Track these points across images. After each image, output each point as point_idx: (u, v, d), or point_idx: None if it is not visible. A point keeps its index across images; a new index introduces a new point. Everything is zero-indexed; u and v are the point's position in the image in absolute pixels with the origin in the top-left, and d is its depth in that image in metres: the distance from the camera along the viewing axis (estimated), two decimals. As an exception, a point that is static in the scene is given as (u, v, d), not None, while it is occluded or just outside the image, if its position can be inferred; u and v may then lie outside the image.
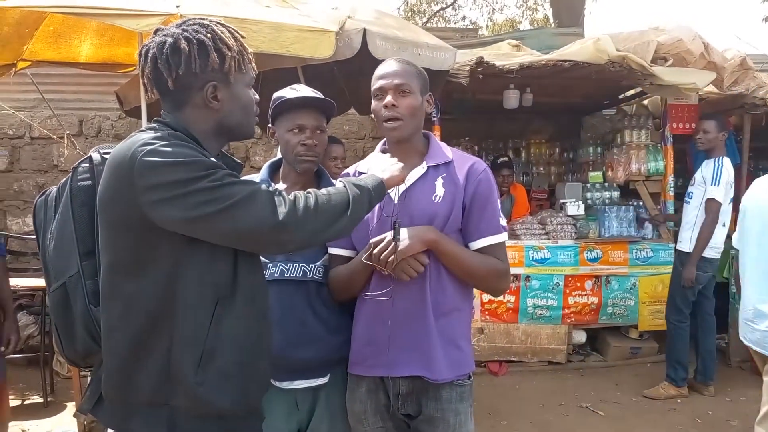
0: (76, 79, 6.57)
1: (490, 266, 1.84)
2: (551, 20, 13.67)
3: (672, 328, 4.56)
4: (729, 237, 5.46)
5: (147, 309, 1.39)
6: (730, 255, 5.19)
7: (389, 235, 1.71)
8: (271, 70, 3.89)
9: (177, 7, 3.10)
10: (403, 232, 1.72)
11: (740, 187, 5.36)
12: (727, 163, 4.39)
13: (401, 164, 1.71)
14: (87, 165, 1.62)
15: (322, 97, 2.02)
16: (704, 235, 4.35)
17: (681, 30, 4.95)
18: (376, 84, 1.86)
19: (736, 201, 5.29)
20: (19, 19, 3.69)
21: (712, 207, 4.32)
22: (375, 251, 1.71)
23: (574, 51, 4.77)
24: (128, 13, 3.05)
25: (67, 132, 6.47)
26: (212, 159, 1.43)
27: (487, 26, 17.30)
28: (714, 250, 4.41)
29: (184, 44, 1.41)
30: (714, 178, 4.33)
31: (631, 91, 5.86)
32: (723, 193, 4.31)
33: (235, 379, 1.45)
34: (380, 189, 1.60)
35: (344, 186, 1.53)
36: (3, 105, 6.00)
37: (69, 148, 6.39)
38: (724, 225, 4.43)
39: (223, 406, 1.43)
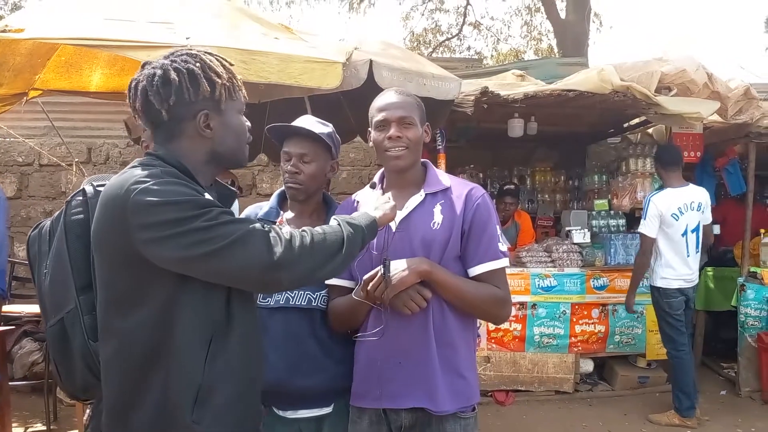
0: (85, 108, 6.66)
1: (488, 294, 1.82)
2: (555, 50, 13.80)
3: (670, 358, 4.58)
4: (737, 264, 5.50)
5: (141, 346, 1.38)
6: (737, 283, 5.19)
7: (380, 269, 1.72)
8: (279, 100, 3.94)
9: (187, 39, 3.14)
10: (397, 264, 1.73)
11: (743, 213, 5.37)
12: (656, 198, 4.47)
13: (393, 203, 1.72)
14: (80, 198, 1.62)
15: (314, 128, 2.01)
16: (635, 268, 4.66)
17: (685, 60, 4.99)
18: (378, 116, 1.87)
19: (731, 228, 5.36)
20: (32, 49, 3.75)
21: (641, 241, 4.55)
22: (369, 288, 1.72)
23: (578, 81, 4.81)
24: (139, 45, 3.09)
25: (76, 159, 6.54)
26: (206, 195, 1.43)
27: (492, 56, 17.47)
28: (683, 281, 4.44)
29: (174, 75, 1.42)
30: (643, 213, 4.53)
31: (636, 120, 5.88)
32: (651, 226, 4.43)
33: (231, 415, 1.44)
34: (373, 227, 1.61)
35: (339, 224, 1.53)
36: (13, 133, 6.07)
37: (77, 175, 6.45)
38: (688, 255, 4.44)
39: None
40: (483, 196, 1.87)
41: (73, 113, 6.72)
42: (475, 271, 1.83)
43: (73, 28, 3.18)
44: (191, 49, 1.51)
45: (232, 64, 1.54)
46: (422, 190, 1.87)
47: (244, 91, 1.56)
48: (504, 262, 1.85)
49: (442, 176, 1.93)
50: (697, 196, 4.50)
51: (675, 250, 4.42)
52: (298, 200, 2.05)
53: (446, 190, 1.88)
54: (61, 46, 3.89)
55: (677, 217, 4.40)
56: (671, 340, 4.47)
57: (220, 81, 1.46)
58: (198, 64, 1.45)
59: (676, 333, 4.44)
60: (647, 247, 4.48)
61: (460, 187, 1.89)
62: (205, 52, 1.51)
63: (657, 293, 4.51)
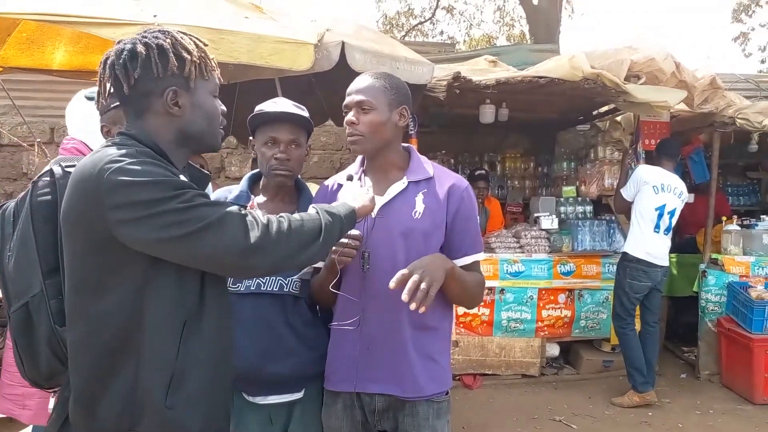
0: (48, 86, 6.47)
1: (479, 282, 1.90)
2: (527, 37, 13.86)
3: (618, 336, 4.76)
4: (699, 251, 5.64)
5: (112, 330, 1.35)
6: (699, 269, 5.32)
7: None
8: (249, 81, 3.87)
9: (154, 16, 3.06)
10: (418, 263, 1.66)
11: (705, 202, 5.50)
12: (644, 167, 4.81)
13: (371, 194, 1.71)
14: (48, 179, 1.57)
15: (299, 112, 2.00)
16: (615, 194, 5.07)
17: (654, 49, 5.05)
18: (345, 100, 1.86)
19: (693, 216, 5.52)
20: (-9, 25, 3.62)
21: (617, 197, 4.95)
22: (410, 284, 1.60)
23: (549, 68, 4.83)
24: (105, 22, 3.00)
25: (38, 140, 6.34)
26: (182, 177, 1.40)
27: (465, 41, 17.48)
28: (650, 255, 4.58)
29: (141, 48, 1.39)
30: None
31: (605, 108, 5.96)
32: (628, 191, 4.72)
33: (205, 400, 1.43)
34: (351, 217, 1.59)
35: (317, 212, 1.52)
36: (-28, 111, 5.88)
37: (40, 155, 6.27)
38: (657, 231, 4.61)
39: (194, 428, 1.40)
40: (467, 189, 1.87)
41: (35, 92, 6.51)
42: (461, 261, 1.84)
43: (36, 2, 3.08)
44: (165, 29, 1.47)
45: (206, 44, 1.50)
46: (405, 178, 1.85)
47: (218, 72, 1.52)
48: (483, 252, 1.92)
49: (426, 164, 1.91)
50: (681, 185, 4.72)
51: (644, 221, 4.59)
52: (286, 186, 2.03)
53: (430, 180, 1.86)
54: (22, 21, 3.75)
55: (657, 190, 4.59)
56: (619, 318, 4.69)
57: (189, 57, 1.43)
58: (168, 40, 1.42)
59: (625, 313, 4.66)
60: (618, 201, 4.89)
61: (444, 178, 1.88)
62: (179, 31, 1.47)
63: (622, 270, 4.66)
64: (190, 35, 1.49)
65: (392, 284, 1.61)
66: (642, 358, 4.59)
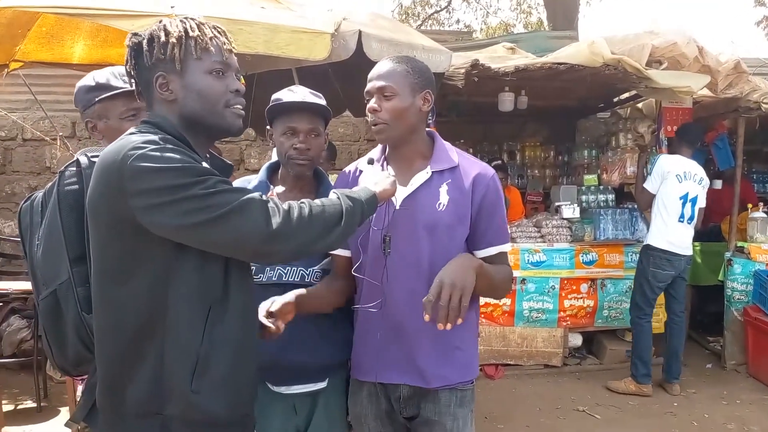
0: (69, 81, 6.45)
1: (507, 275, 1.84)
2: (545, 23, 13.70)
3: (633, 325, 4.71)
4: (724, 239, 5.54)
5: (137, 316, 1.36)
6: (725, 258, 5.23)
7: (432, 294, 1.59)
8: (266, 72, 3.87)
9: (172, 7, 3.07)
10: (446, 270, 1.61)
11: (729, 190, 5.40)
12: (666, 158, 4.73)
13: (393, 178, 1.67)
14: (74, 169, 1.59)
15: (317, 101, 1.98)
16: (637, 192, 5.00)
17: (676, 33, 4.95)
18: (366, 87, 1.81)
19: (718, 204, 5.41)
20: (11, 19, 3.64)
21: (642, 192, 4.81)
22: (442, 303, 1.56)
23: (569, 54, 4.77)
24: (123, 14, 3.01)
25: (60, 134, 6.42)
26: (204, 164, 1.40)
27: (482, 30, 17.35)
28: (674, 245, 4.52)
29: (133, 41, 1.42)
30: (650, 170, 4.84)
31: (626, 94, 5.86)
32: (653, 183, 4.64)
33: (230, 384, 1.43)
34: (373, 202, 1.56)
35: (338, 197, 1.50)
36: (-5, 107, 5.95)
37: (62, 149, 6.35)
38: (681, 220, 4.55)
39: (220, 413, 1.41)
40: (493, 178, 1.81)
41: (56, 86, 6.57)
42: (486, 252, 1.80)
43: (54, -4, 3.10)
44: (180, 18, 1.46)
45: (202, 23, 1.46)
46: (429, 167, 1.79)
47: (215, 48, 1.44)
48: (510, 243, 1.87)
49: (450, 152, 1.84)
50: (701, 171, 4.67)
51: (668, 211, 4.54)
52: (305, 175, 2.01)
53: (454, 169, 1.79)
54: (41, 15, 3.78)
55: (680, 179, 4.55)
56: (638, 308, 4.63)
57: (168, 39, 1.40)
58: (155, 29, 1.42)
59: (646, 303, 4.60)
60: (645, 197, 4.75)
61: (469, 166, 1.81)
62: (182, 18, 1.45)
63: (645, 259, 4.60)
64: (185, 18, 1.45)
65: (426, 317, 1.57)
66: (650, 351, 4.57)
